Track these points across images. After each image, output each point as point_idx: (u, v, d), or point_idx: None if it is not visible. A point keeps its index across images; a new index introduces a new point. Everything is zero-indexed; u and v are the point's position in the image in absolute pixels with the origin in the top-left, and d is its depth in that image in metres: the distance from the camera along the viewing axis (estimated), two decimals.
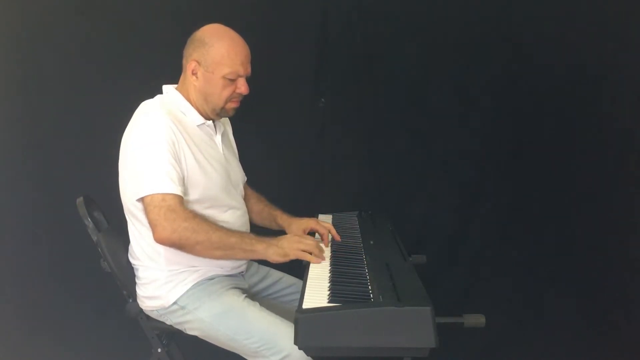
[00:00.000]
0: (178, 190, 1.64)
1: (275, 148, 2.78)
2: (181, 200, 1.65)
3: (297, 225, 2.02)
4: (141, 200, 1.66)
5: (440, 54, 2.77)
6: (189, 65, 1.79)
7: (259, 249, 1.69)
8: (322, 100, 2.78)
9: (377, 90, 2.81)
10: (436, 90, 2.81)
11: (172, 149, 1.68)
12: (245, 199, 2.05)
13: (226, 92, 1.80)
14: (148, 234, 1.75)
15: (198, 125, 1.83)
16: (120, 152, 1.78)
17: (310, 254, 1.75)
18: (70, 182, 2.53)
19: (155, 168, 1.64)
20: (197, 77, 1.79)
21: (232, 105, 1.84)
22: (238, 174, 1.99)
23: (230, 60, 1.77)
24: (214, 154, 1.85)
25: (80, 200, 1.92)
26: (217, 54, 1.76)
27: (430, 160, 2.85)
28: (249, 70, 1.83)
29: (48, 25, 2.62)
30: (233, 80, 1.79)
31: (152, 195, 1.62)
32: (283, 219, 2.06)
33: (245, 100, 1.89)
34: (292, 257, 1.71)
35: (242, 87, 1.81)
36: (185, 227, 1.61)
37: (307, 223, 2.01)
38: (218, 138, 1.90)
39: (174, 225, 1.60)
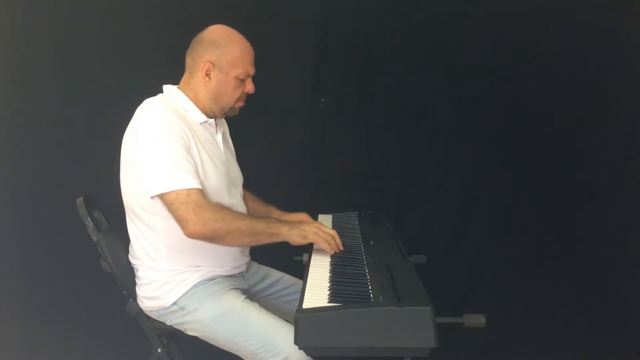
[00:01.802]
0: (199, 184, 1.67)
1: (276, 148, 2.78)
2: (204, 194, 1.67)
3: (288, 218, 2.03)
4: (160, 196, 1.66)
5: (440, 54, 2.77)
6: (203, 66, 1.80)
7: (282, 231, 1.72)
8: (322, 100, 2.78)
9: (377, 90, 2.81)
10: (436, 89, 2.81)
11: (183, 142, 1.70)
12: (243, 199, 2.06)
13: (237, 92, 1.84)
14: (150, 233, 1.75)
15: (200, 123, 1.84)
16: (122, 150, 1.78)
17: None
18: (70, 182, 2.53)
19: (172, 163, 1.65)
20: (210, 79, 1.81)
21: (240, 104, 1.89)
22: (237, 174, 2.00)
23: (243, 61, 1.82)
24: (216, 152, 1.86)
25: (80, 200, 1.91)
26: (232, 55, 1.80)
27: (430, 160, 2.85)
28: (254, 70, 1.88)
29: (48, 25, 2.62)
30: (243, 80, 1.84)
31: (176, 192, 1.62)
32: (276, 214, 2.08)
33: (245, 100, 1.90)
34: (311, 240, 1.74)
35: (250, 87, 1.87)
36: (216, 220, 1.62)
37: (298, 217, 2.03)
38: (219, 137, 1.91)
39: (204, 219, 1.61)
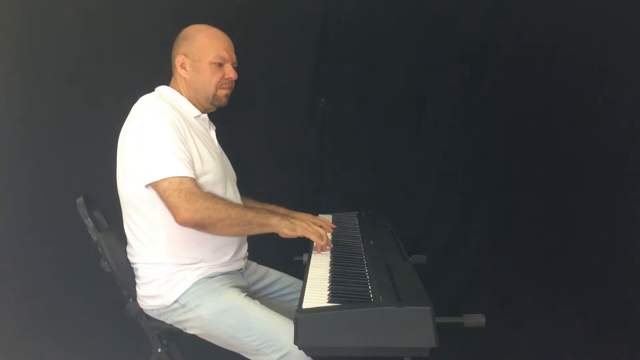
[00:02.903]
0: (192, 173, 1.70)
1: (275, 148, 2.78)
2: (196, 182, 1.71)
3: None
4: (153, 185, 1.68)
5: (440, 54, 2.77)
6: (177, 60, 1.87)
7: (272, 222, 1.74)
8: (322, 100, 2.78)
9: (377, 90, 2.81)
10: (436, 90, 2.81)
11: (178, 132, 1.73)
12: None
13: (215, 78, 1.87)
14: (149, 227, 1.76)
15: (194, 117, 1.88)
16: (119, 145, 1.80)
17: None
18: (70, 182, 2.53)
19: (167, 151, 1.68)
20: (186, 70, 1.87)
21: (223, 91, 1.91)
22: (232, 171, 2.03)
23: (213, 46, 1.87)
24: (212, 145, 1.90)
25: (80, 200, 1.92)
26: (201, 42, 1.86)
27: (430, 160, 2.85)
28: (234, 57, 1.92)
29: (48, 25, 2.62)
30: (220, 66, 1.87)
31: (169, 179, 1.66)
32: (281, 211, 2.09)
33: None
34: (300, 233, 1.76)
35: (230, 73, 1.90)
36: (207, 207, 1.66)
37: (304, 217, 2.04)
38: (212, 133, 1.96)
39: (195, 205, 1.64)
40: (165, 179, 1.66)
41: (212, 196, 1.72)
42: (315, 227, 1.81)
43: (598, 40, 2.64)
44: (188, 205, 1.64)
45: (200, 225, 1.68)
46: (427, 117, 2.83)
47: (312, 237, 1.79)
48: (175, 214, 1.66)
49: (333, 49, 2.76)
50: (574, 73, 2.68)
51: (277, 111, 2.75)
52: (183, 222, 1.66)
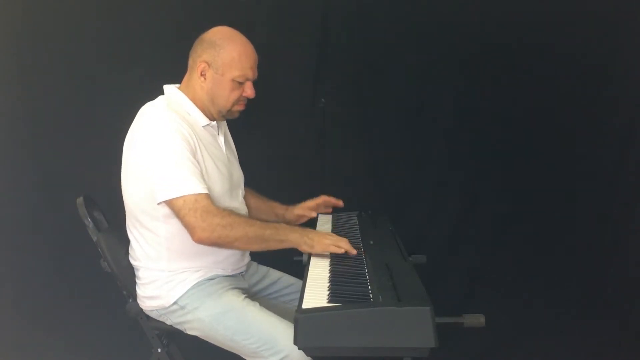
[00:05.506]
0: (206, 188, 1.66)
1: (276, 148, 2.78)
2: (211, 199, 1.67)
3: (292, 210, 2.11)
4: (167, 202, 1.65)
5: (440, 56, 2.77)
6: (199, 66, 1.78)
7: (292, 238, 1.72)
8: (323, 100, 2.78)
9: (377, 90, 2.81)
10: (436, 90, 2.81)
11: (189, 147, 1.68)
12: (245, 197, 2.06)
13: (234, 95, 1.80)
14: (151, 236, 1.75)
15: (203, 126, 1.82)
16: (124, 154, 1.76)
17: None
18: (70, 182, 2.54)
19: (180, 169, 1.64)
20: (205, 79, 1.78)
21: (238, 108, 1.84)
22: (239, 175, 2.00)
23: (240, 63, 1.77)
24: (219, 155, 1.85)
25: (80, 200, 1.91)
26: (228, 56, 1.76)
27: (430, 160, 2.85)
28: (256, 74, 1.84)
29: (48, 26, 2.62)
30: (241, 84, 1.80)
31: (184, 197, 1.62)
32: (280, 209, 2.12)
33: (246, 104, 1.89)
34: (318, 250, 1.74)
35: (249, 91, 1.82)
36: (224, 226, 1.63)
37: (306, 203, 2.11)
38: (221, 139, 1.90)
39: (212, 225, 1.62)
40: (180, 197, 1.62)
41: (229, 213, 1.67)
42: (332, 239, 1.77)
43: (598, 41, 2.65)
44: (205, 225, 1.61)
45: (217, 244, 1.67)
46: (426, 117, 2.83)
47: (332, 250, 1.75)
48: (192, 234, 1.64)
49: (333, 49, 2.76)
50: (574, 74, 2.69)
51: (277, 112, 2.75)
52: (200, 241, 1.64)
